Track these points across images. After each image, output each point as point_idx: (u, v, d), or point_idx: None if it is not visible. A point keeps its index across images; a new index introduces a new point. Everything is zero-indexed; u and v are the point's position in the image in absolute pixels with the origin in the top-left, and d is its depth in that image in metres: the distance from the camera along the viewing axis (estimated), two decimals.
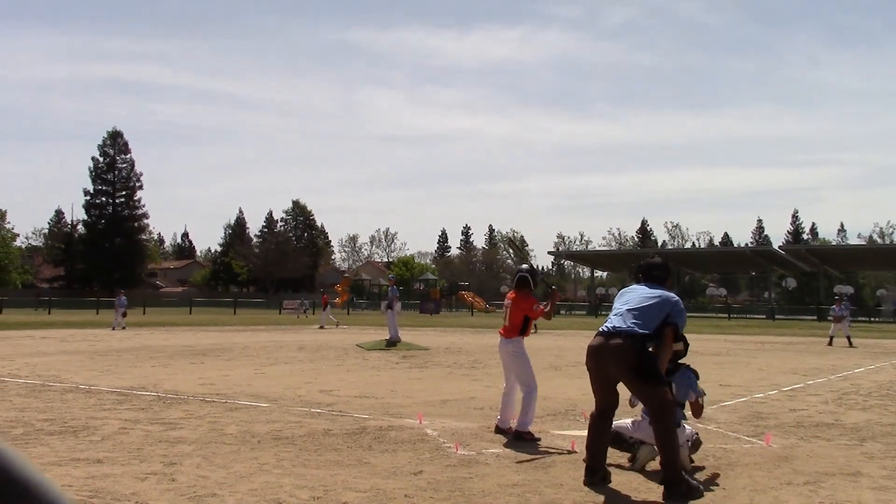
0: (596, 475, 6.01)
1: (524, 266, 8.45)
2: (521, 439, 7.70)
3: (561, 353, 19.86)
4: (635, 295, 6.28)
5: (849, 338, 25.83)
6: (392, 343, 20.90)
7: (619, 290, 6.78)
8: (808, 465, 6.75)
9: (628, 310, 6.10)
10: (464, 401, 10.70)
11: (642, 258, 6.97)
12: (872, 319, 59.25)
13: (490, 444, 7.59)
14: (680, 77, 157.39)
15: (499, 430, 8.07)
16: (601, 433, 6.14)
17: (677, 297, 6.28)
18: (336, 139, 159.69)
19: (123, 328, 30.42)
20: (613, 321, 6.09)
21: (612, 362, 5.91)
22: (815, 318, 57.36)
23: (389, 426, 8.42)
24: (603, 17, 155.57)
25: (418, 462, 6.64)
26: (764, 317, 62.09)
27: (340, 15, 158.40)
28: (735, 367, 16.76)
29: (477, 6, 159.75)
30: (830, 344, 25.62)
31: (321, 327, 34.82)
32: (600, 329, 6.16)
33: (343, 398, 10.78)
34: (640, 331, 5.92)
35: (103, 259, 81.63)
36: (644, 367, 5.83)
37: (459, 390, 11.94)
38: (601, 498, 5.62)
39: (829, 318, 28.98)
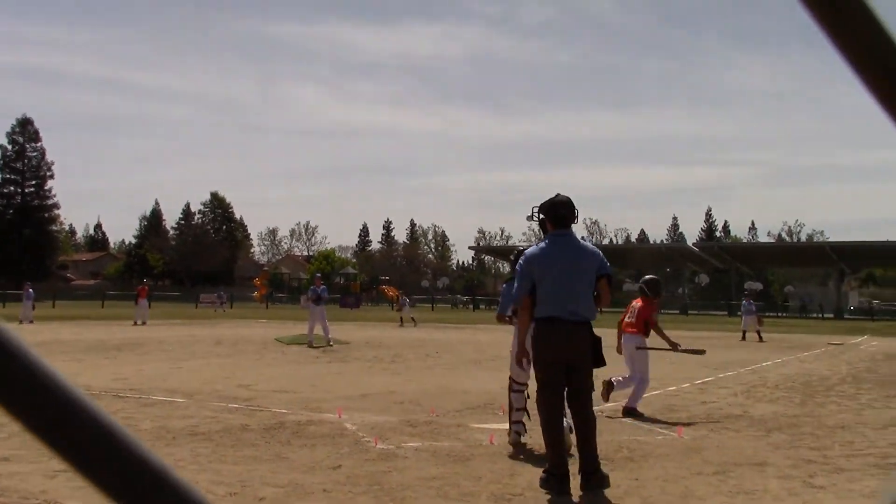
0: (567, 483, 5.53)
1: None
2: (630, 415, 9.26)
3: (480, 348, 20.01)
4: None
5: (759, 332, 26.72)
6: (326, 341, 19.95)
7: None
8: (717, 456, 6.96)
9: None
10: (384, 395, 10.69)
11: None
12: (780, 315, 61.39)
13: (409, 437, 7.60)
14: (598, 76, 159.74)
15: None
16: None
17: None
18: (256, 132, 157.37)
19: (31, 322, 29.39)
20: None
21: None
22: (726, 313, 59.13)
23: (308, 421, 8.36)
24: (521, 14, 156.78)
25: (337, 456, 6.61)
26: (678, 312, 63.70)
27: (261, 7, 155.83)
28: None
29: (398, 1, 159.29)
30: (744, 338, 26.50)
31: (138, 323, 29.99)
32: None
33: (261, 393, 10.65)
34: None
35: (11, 250, 78.80)
36: None
37: (379, 384, 11.92)
38: (518, 489, 5.69)
39: (740, 313, 29.91)
